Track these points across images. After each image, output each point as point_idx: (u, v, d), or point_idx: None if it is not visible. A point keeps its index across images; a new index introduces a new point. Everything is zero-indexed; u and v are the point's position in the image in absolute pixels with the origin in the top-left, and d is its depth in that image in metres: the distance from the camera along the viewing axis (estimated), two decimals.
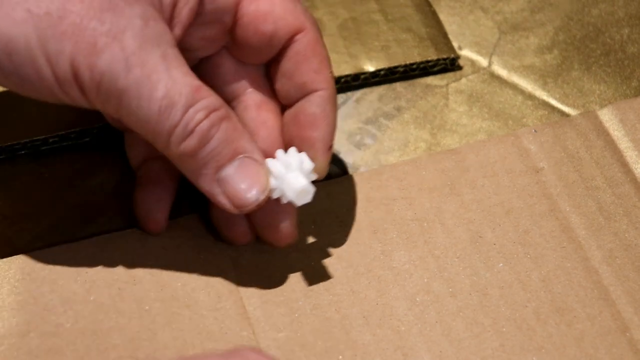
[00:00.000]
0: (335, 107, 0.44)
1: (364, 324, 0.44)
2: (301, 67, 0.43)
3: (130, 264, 0.45)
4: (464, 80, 0.53)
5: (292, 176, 0.42)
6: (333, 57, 0.52)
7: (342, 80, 0.52)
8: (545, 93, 0.53)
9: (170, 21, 0.40)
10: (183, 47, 0.41)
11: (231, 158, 0.40)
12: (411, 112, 0.52)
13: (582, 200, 0.48)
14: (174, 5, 0.40)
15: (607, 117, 0.51)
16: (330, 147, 0.44)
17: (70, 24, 0.37)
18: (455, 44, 0.55)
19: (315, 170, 0.43)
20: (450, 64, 0.54)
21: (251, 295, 0.45)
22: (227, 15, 0.42)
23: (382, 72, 0.53)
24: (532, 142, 0.50)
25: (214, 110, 0.40)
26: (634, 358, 0.43)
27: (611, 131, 0.51)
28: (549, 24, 0.55)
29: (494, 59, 0.54)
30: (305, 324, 0.44)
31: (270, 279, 0.45)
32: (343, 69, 0.52)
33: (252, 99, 0.45)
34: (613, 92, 0.53)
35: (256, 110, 0.44)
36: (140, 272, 0.45)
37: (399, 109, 0.51)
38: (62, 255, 0.45)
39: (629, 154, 0.50)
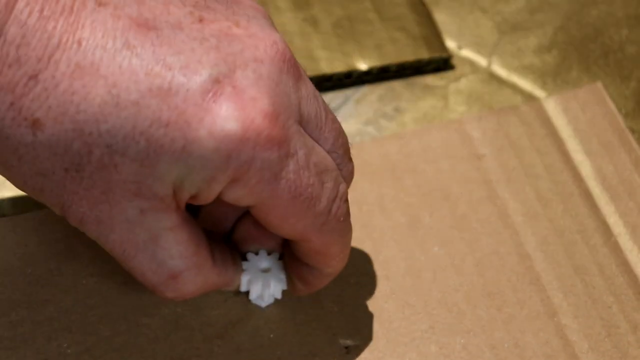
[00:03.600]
0: (334, 276, 0.43)
1: (297, 305, 0.45)
2: (310, 257, 0.41)
3: (71, 239, 0.45)
4: (463, 80, 0.54)
5: (264, 291, 0.44)
6: (326, 54, 0.53)
7: (335, 78, 0.53)
8: (544, 93, 0.53)
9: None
10: None
11: None
12: (411, 113, 0.52)
13: (521, 187, 0.49)
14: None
15: (552, 106, 0.52)
16: None
17: (61, 210, 0.38)
18: (455, 44, 0.55)
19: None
20: (443, 64, 0.54)
21: None
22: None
23: (374, 71, 0.53)
24: (476, 129, 0.51)
25: (185, 298, 0.40)
26: (559, 342, 0.44)
27: (554, 120, 0.51)
28: (548, 24, 0.56)
29: (494, 59, 0.54)
30: (237, 303, 0.45)
31: None
32: (336, 66, 0.53)
33: None
34: (612, 92, 0.53)
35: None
36: (80, 247, 0.45)
37: (398, 110, 0.52)
38: (2, 228, 0.45)
39: (570, 143, 0.50)
